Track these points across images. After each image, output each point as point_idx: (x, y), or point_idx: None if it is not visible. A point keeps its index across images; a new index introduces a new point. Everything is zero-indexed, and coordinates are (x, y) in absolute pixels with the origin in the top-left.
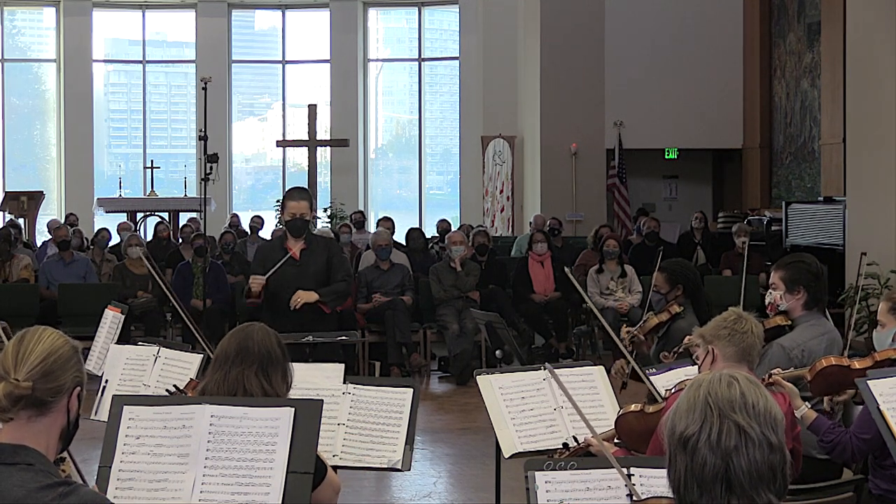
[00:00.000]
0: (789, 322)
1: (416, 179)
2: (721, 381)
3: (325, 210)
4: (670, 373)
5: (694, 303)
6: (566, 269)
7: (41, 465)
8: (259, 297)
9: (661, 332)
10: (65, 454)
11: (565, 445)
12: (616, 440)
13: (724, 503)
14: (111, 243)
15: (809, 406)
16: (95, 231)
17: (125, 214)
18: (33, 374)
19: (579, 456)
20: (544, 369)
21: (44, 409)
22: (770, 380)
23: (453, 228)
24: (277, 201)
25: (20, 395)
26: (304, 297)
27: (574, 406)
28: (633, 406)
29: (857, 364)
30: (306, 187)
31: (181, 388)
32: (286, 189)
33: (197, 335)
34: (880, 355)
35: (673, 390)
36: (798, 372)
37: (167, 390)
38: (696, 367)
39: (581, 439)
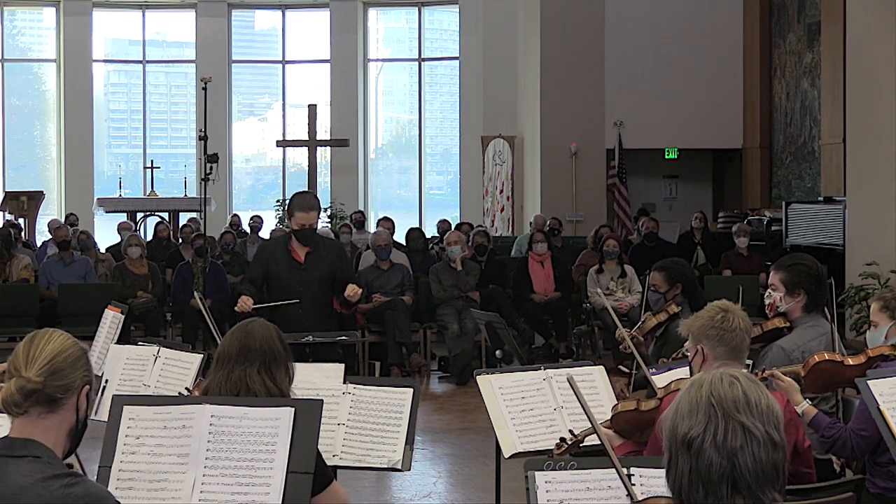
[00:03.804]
0: (787, 324)
1: (416, 179)
2: (723, 381)
3: (325, 210)
4: (671, 373)
5: (691, 302)
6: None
7: (48, 458)
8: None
9: (659, 332)
10: (72, 461)
11: (562, 440)
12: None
13: (729, 503)
14: (110, 244)
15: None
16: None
17: (125, 214)
18: (43, 371)
19: (577, 448)
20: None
21: (54, 406)
22: (763, 374)
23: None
24: (278, 201)
25: (32, 389)
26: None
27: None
28: (630, 404)
29: (850, 360)
30: (315, 193)
31: (191, 388)
32: (292, 193)
33: (214, 330)
34: (873, 352)
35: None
36: (793, 368)
37: (180, 392)
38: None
39: (577, 432)
